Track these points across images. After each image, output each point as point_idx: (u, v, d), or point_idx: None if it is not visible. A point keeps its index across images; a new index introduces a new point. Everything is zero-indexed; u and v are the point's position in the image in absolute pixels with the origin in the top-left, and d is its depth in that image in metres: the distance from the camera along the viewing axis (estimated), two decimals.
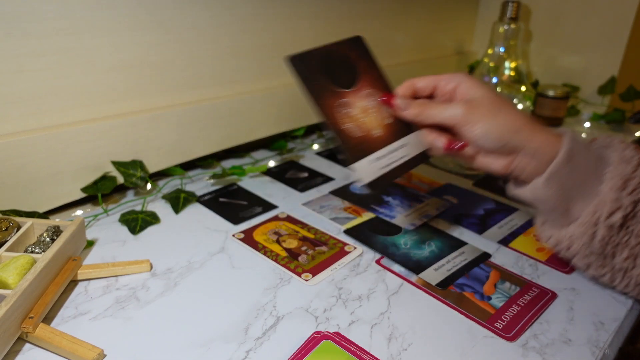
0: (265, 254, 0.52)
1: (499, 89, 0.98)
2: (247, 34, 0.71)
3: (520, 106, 0.99)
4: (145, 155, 0.63)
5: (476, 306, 0.45)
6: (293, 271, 0.49)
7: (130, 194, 0.65)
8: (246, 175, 0.71)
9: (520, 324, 0.43)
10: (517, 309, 0.45)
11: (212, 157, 0.74)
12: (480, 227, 0.58)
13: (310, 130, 0.87)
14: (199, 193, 0.65)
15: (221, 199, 0.64)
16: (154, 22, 0.60)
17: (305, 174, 0.73)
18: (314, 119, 0.85)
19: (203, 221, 0.59)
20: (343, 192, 0.67)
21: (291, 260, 0.51)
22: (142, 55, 0.61)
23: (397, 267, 0.50)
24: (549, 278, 0.49)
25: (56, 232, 0.48)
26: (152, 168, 0.65)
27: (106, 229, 0.56)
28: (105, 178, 0.60)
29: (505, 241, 0.56)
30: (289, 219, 0.59)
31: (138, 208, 0.61)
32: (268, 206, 0.63)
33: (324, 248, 0.53)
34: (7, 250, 0.45)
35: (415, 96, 0.48)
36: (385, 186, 0.62)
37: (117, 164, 0.60)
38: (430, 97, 0.49)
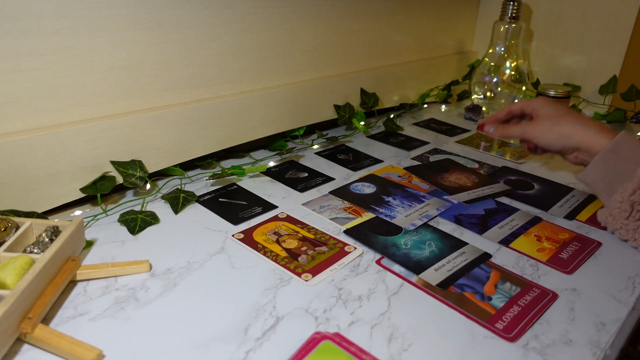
0: (265, 254, 0.52)
1: (499, 89, 0.97)
2: (247, 34, 0.71)
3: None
4: (144, 155, 0.63)
5: (477, 306, 0.45)
6: (293, 271, 0.49)
7: (129, 194, 0.65)
8: (246, 175, 0.71)
9: (521, 324, 0.42)
10: (517, 309, 0.44)
11: (211, 157, 0.74)
12: (481, 227, 0.58)
13: (310, 130, 0.87)
14: (198, 193, 0.65)
15: (221, 199, 0.64)
16: (153, 21, 0.60)
17: (305, 174, 0.73)
18: (314, 118, 0.85)
19: (202, 221, 0.59)
20: (343, 192, 0.66)
21: (291, 261, 0.51)
22: (142, 54, 0.61)
23: (397, 268, 0.50)
24: (549, 278, 0.49)
25: (55, 232, 0.48)
26: (151, 168, 0.64)
27: (105, 229, 0.56)
28: (104, 178, 0.59)
29: (505, 241, 0.55)
30: (289, 219, 0.59)
31: (137, 208, 0.61)
32: (268, 206, 0.63)
33: (324, 248, 0.53)
34: (6, 250, 0.44)
35: (510, 116, 0.68)
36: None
37: (116, 164, 0.60)
38: (522, 116, 0.67)
